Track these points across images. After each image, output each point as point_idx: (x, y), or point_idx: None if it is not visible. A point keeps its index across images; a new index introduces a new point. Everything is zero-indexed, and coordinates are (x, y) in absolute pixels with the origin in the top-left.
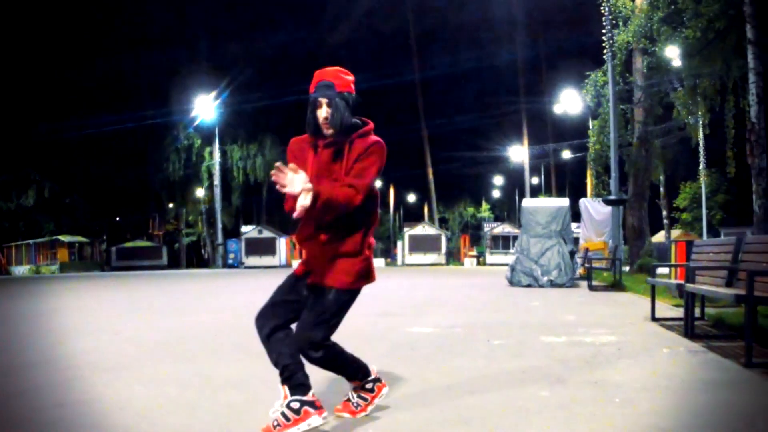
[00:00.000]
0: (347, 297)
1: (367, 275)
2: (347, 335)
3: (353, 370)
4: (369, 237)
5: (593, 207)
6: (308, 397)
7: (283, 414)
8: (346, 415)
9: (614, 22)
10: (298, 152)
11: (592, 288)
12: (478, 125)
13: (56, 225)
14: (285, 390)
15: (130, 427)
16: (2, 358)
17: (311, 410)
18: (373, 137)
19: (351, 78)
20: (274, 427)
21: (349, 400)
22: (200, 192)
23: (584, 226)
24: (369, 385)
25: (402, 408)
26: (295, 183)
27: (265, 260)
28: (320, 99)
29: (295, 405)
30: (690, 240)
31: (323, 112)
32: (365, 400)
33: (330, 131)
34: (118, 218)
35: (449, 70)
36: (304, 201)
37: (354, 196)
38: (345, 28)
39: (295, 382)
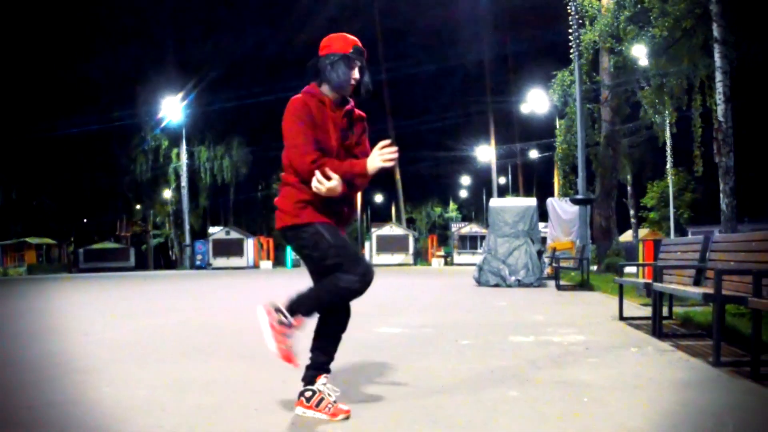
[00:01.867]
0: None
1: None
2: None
3: None
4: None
5: (560, 206)
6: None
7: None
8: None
9: (581, 21)
10: (318, 113)
11: (559, 288)
12: (446, 125)
13: (23, 227)
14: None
15: (100, 429)
16: None
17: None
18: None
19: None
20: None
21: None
22: (168, 193)
23: (552, 226)
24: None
25: (369, 408)
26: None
27: (233, 261)
28: (357, 61)
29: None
30: (657, 239)
31: (356, 74)
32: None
33: (348, 93)
34: (85, 220)
35: (416, 69)
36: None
37: None
38: (312, 28)
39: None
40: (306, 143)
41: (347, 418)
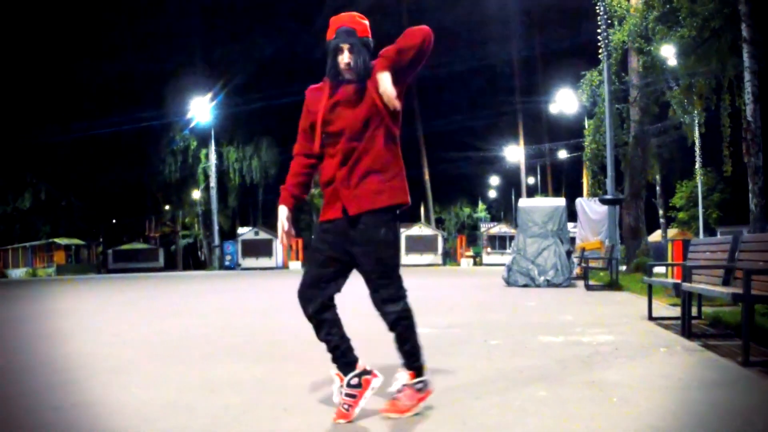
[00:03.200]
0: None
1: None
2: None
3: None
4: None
5: (589, 206)
6: (360, 368)
7: (348, 394)
8: (394, 415)
9: (609, 21)
10: (313, 103)
11: (588, 288)
12: (474, 125)
13: (53, 228)
14: (338, 372)
15: (128, 430)
16: None
17: (368, 377)
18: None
19: (367, 22)
20: (345, 410)
21: (399, 394)
22: (197, 194)
23: (581, 226)
24: (354, 380)
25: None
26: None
27: (262, 262)
28: (342, 45)
29: (354, 381)
30: (686, 239)
31: (345, 58)
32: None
33: (351, 76)
34: (114, 220)
35: (445, 69)
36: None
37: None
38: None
39: (349, 358)
40: (299, 135)
41: (391, 417)
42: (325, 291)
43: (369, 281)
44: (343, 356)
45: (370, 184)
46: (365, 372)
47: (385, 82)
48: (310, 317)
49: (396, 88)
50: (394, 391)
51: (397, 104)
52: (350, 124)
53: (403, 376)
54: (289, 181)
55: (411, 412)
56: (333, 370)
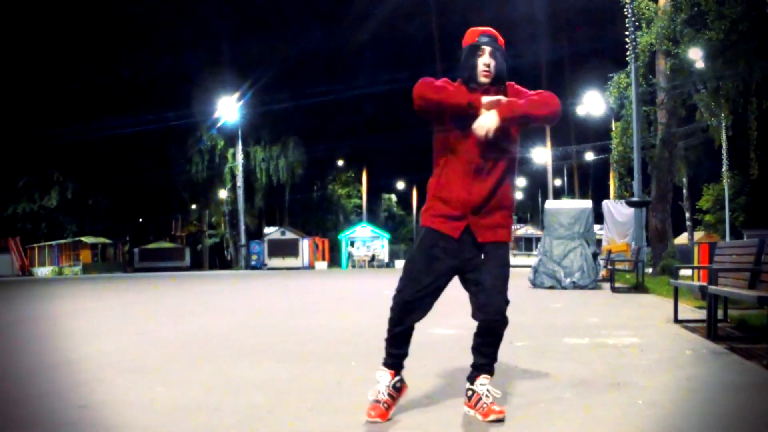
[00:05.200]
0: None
1: None
2: (369, 336)
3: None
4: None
5: (616, 209)
6: (401, 374)
7: (390, 395)
8: (502, 416)
9: (637, 23)
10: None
11: (614, 290)
12: None
13: (79, 226)
14: (391, 372)
15: (153, 429)
16: (25, 359)
17: (404, 384)
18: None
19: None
20: (386, 408)
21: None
22: (223, 193)
23: (607, 228)
24: (399, 384)
25: (424, 409)
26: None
27: (288, 262)
28: (484, 46)
29: (399, 384)
30: (713, 242)
31: (486, 59)
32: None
33: (487, 80)
34: (140, 219)
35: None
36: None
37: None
38: (367, 29)
39: (402, 364)
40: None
41: (500, 419)
42: (433, 304)
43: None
44: (401, 363)
45: (497, 217)
46: (403, 380)
47: (485, 120)
48: (409, 325)
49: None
50: (487, 399)
51: (482, 132)
52: (480, 141)
53: (487, 382)
54: (453, 88)
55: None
56: (384, 369)
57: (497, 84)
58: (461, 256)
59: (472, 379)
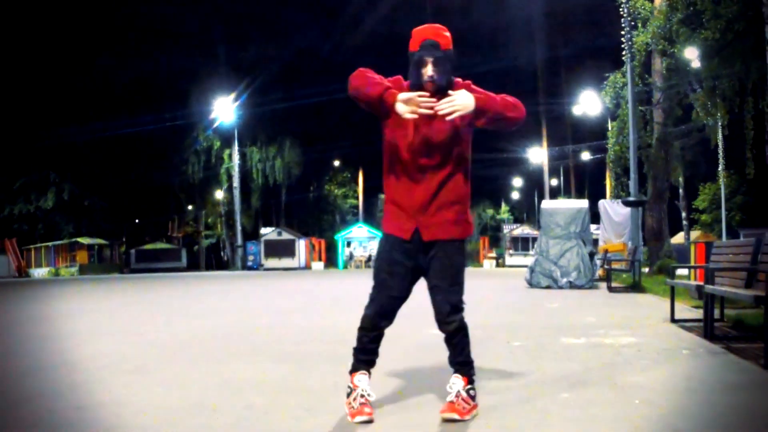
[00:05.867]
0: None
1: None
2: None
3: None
4: None
5: (612, 208)
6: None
7: (463, 399)
8: (455, 416)
9: (633, 23)
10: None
11: (611, 289)
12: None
13: (75, 227)
14: (462, 378)
15: (151, 429)
16: (22, 360)
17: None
18: (463, 82)
19: (449, 34)
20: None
21: (456, 398)
22: (219, 194)
23: (603, 228)
24: (473, 391)
25: (420, 410)
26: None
27: (285, 262)
28: (426, 58)
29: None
30: (709, 241)
31: (429, 71)
32: (473, 399)
33: (432, 90)
34: (137, 220)
35: (469, 70)
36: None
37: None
38: (364, 29)
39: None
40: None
41: (452, 420)
42: (402, 304)
43: (438, 290)
44: (372, 366)
45: (447, 214)
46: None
47: (463, 98)
48: (380, 329)
49: (465, 118)
50: (452, 396)
51: (448, 110)
52: (424, 140)
53: (459, 382)
54: (376, 80)
55: (469, 415)
56: (363, 373)
57: (442, 92)
58: (417, 256)
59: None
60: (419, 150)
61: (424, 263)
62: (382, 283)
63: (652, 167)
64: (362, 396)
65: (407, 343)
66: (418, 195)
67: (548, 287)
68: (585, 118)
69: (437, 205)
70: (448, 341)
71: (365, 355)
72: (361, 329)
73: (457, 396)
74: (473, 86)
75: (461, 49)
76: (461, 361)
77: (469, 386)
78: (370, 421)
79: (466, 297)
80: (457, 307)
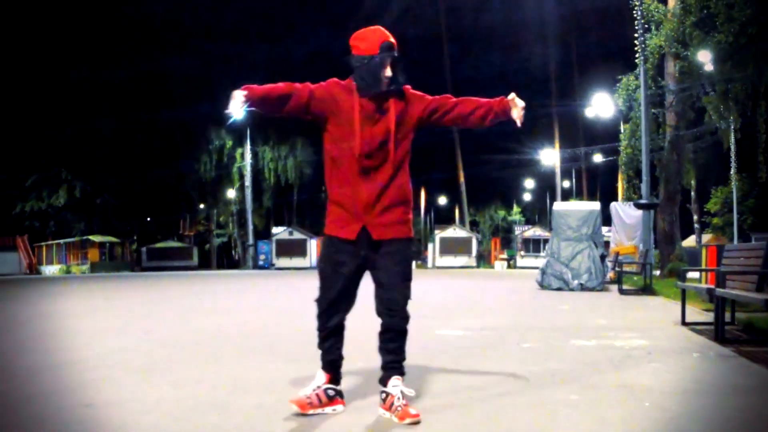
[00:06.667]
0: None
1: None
2: (374, 337)
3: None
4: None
5: (624, 211)
6: (339, 387)
7: (318, 396)
8: (417, 420)
9: (646, 26)
10: (341, 95)
11: (622, 292)
12: (510, 128)
13: (87, 225)
14: (326, 375)
15: (160, 428)
16: (32, 358)
17: (340, 399)
18: (405, 86)
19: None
20: (308, 403)
21: (405, 401)
22: (231, 193)
23: (615, 230)
24: (331, 392)
25: (430, 410)
26: None
27: (296, 261)
28: (387, 59)
29: (331, 393)
30: (721, 245)
31: (389, 71)
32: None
33: (387, 88)
34: (148, 218)
35: (480, 72)
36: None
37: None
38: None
39: (338, 373)
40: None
41: (416, 422)
42: (350, 304)
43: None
44: (336, 371)
45: (395, 213)
46: (340, 394)
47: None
48: (332, 327)
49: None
50: (402, 400)
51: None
52: (368, 141)
53: (400, 384)
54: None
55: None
56: (322, 370)
57: (397, 94)
58: (362, 254)
59: (384, 380)
60: (364, 151)
61: (370, 261)
62: (326, 283)
63: (664, 170)
64: (308, 389)
65: (423, 340)
66: (363, 196)
67: (559, 289)
68: (597, 120)
69: (383, 205)
70: (394, 340)
71: (323, 355)
72: (317, 326)
73: (404, 397)
74: (410, 89)
75: (474, 50)
76: (401, 359)
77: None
78: (293, 409)
79: (481, 298)
80: (407, 303)
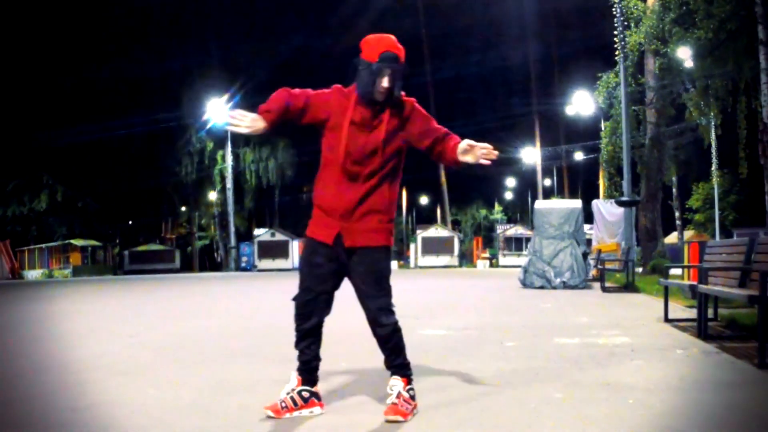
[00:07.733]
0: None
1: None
2: (358, 337)
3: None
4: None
5: (606, 208)
6: (316, 389)
7: (293, 399)
8: (399, 418)
9: (626, 23)
10: (337, 101)
11: (605, 289)
12: (491, 127)
13: (69, 229)
14: (298, 378)
15: (145, 430)
16: (15, 362)
17: (316, 400)
18: (408, 98)
19: (403, 49)
20: (282, 407)
21: (398, 400)
22: (213, 195)
23: (597, 228)
24: (306, 394)
25: (363, 410)
26: None
27: (278, 263)
28: (385, 69)
29: (306, 394)
30: (703, 241)
31: (386, 82)
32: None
33: (381, 99)
34: (130, 222)
35: (461, 71)
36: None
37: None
38: (358, 30)
39: (313, 375)
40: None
41: (396, 421)
42: (328, 306)
43: (366, 295)
44: (311, 372)
45: (370, 221)
46: (317, 396)
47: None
48: (308, 329)
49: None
50: (393, 398)
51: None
52: (358, 148)
53: (399, 384)
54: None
55: (411, 416)
56: (296, 373)
57: (393, 106)
58: (339, 260)
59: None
60: (353, 157)
61: (347, 266)
62: (304, 284)
63: (645, 167)
64: (283, 393)
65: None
66: (345, 200)
67: (542, 287)
68: (578, 118)
69: (362, 211)
70: (384, 345)
71: (299, 355)
72: (294, 329)
73: (398, 397)
74: (417, 105)
75: (453, 50)
76: (399, 363)
77: (408, 387)
78: (269, 414)
79: (464, 297)
80: (389, 311)
